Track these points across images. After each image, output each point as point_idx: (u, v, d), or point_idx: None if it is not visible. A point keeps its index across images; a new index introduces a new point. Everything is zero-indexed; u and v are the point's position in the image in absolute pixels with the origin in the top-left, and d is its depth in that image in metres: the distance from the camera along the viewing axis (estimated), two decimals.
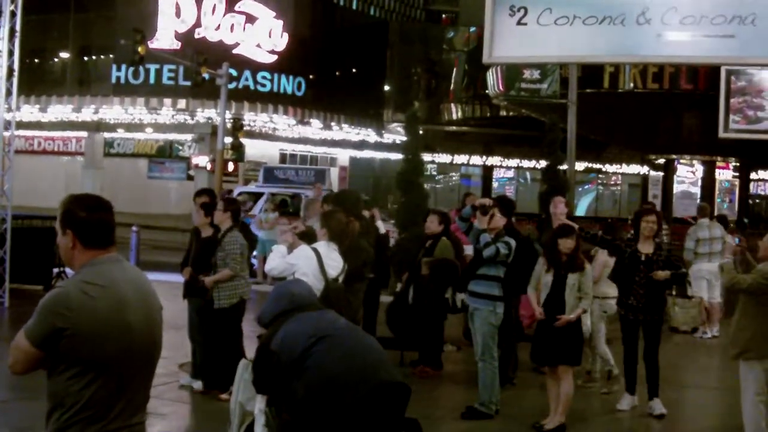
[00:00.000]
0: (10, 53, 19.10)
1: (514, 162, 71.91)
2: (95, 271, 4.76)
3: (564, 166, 29.31)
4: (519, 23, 10.55)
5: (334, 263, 10.28)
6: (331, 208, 11.66)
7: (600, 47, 10.31)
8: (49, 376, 4.71)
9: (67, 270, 19.57)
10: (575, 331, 11.57)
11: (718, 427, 12.68)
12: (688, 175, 58.79)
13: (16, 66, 19.25)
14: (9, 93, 19.21)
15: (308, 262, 10.09)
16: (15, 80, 19.27)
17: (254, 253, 26.12)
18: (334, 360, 6.46)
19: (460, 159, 73.05)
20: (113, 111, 54.28)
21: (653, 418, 12.35)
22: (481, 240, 12.01)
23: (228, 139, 39.69)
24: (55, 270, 20.78)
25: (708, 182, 52.77)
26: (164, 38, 50.34)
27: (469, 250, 15.90)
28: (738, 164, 57.72)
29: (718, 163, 54.40)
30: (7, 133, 19.34)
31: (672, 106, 41.38)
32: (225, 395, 12.00)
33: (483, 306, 12.04)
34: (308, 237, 10.61)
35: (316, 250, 10.18)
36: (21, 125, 30.33)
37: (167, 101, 52.85)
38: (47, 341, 4.59)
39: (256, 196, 27.83)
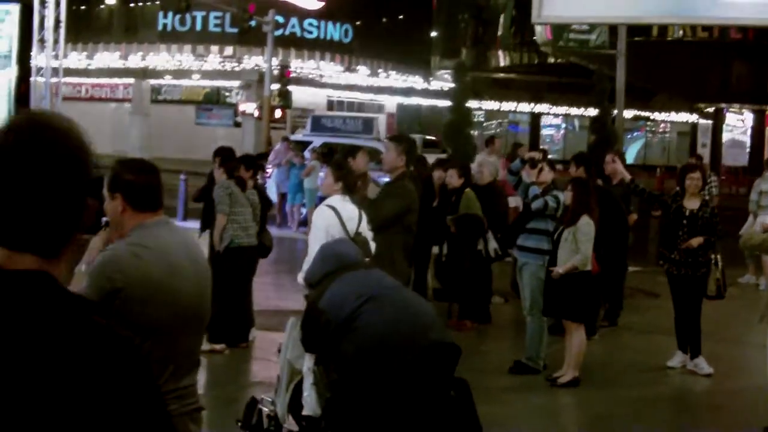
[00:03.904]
0: (57, 3, 19.14)
1: (562, 109, 71.37)
2: (146, 234, 4.75)
3: (614, 112, 29.07)
4: None
5: (350, 214, 9.82)
6: (340, 159, 11.26)
7: (651, 7, 10.13)
8: None
9: None
10: (578, 286, 11.35)
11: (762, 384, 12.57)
12: (737, 123, 58.28)
13: (63, 15, 19.29)
14: (56, 41, 19.28)
15: (326, 222, 9.67)
16: (62, 29, 19.33)
17: (303, 201, 26.16)
18: (385, 320, 6.43)
19: (508, 106, 72.60)
20: (160, 58, 54.30)
21: (699, 376, 12.29)
22: (529, 193, 11.94)
23: (275, 86, 39.64)
24: (104, 219, 20.84)
25: (757, 131, 52.30)
26: None
27: (515, 201, 15.85)
28: None
29: None
30: (54, 80, 19.42)
31: (722, 55, 40.95)
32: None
33: (532, 260, 11.99)
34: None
35: (332, 207, 9.76)
36: (68, 72, 30.37)
37: (214, 48, 52.78)
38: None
39: (303, 145, 27.74)
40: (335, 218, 9.53)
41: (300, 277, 8.19)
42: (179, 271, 4.76)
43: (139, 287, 4.57)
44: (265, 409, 7.57)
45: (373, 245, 9.72)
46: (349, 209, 9.75)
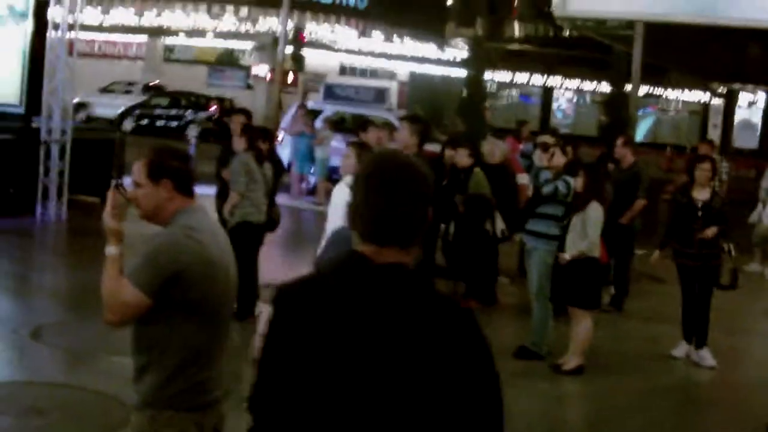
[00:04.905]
0: None
1: (574, 83, 71.01)
2: (193, 218, 4.94)
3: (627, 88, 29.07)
4: None
5: None
6: (359, 141, 11.16)
7: (680, 6, 10.05)
8: (149, 324, 4.78)
9: (125, 182, 19.45)
10: (586, 273, 11.30)
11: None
12: (750, 105, 58.03)
13: None
14: None
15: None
16: None
17: (311, 170, 25.99)
18: None
19: (521, 78, 72.25)
20: (174, 16, 54.07)
21: (703, 367, 12.29)
22: (540, 177, 11.91)
23: (289, 50, 39.46)
24: (113, 182, 20.67)
25: None
26: None
27: (524, 179, 15.79)
28: None
29: None
30: (70, 36, 19.20)
31: (737, 35, 40.73)
32: None
33: (541, 245, 11.95)
34: None
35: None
36: (83, 28, 30.09)
37: (229, 8, 52.54)
38: (162, 289, 4.71)
39: (315, 114, 27.52)
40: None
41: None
42: (224, 251, 4.99)
43: (200, 267, 4.74)
44: None
45: None
46: None
